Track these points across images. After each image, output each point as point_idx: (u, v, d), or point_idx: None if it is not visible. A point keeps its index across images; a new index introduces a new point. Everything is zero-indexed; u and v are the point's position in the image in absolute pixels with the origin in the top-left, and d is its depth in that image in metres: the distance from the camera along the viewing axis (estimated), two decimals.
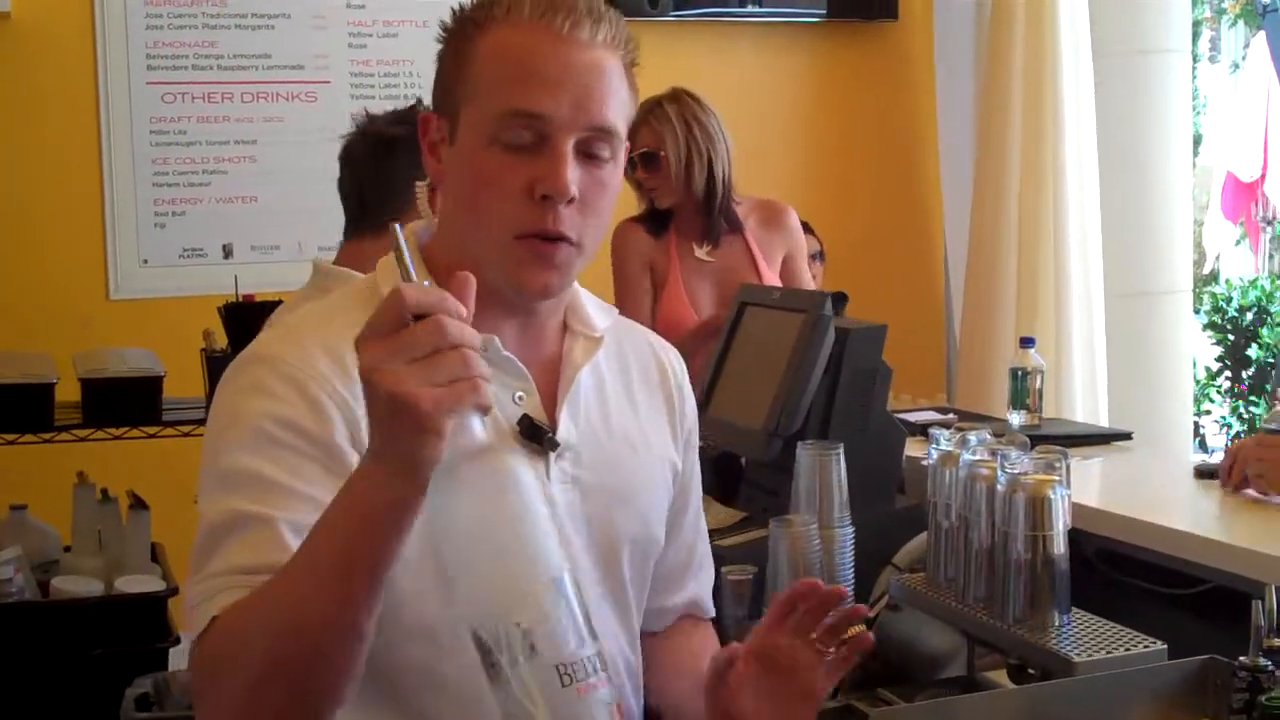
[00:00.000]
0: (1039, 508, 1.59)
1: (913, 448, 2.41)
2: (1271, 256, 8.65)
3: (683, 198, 3.41)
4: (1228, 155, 8.26)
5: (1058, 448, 1.67)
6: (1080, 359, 4.51)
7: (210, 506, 1.25)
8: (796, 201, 3.68)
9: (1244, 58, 8.64)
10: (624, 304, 3.35)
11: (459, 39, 1.35)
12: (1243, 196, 8.16)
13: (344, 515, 1.11)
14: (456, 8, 1.38)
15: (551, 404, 1.40)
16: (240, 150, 4.56)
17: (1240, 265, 8.52)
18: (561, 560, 1.07)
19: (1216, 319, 7.26)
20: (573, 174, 1.30)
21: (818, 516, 1.92)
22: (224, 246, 4.55)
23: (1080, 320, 4.52)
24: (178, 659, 2.97)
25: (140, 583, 3.10)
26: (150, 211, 4.48)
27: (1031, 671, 1.65)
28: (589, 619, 1.07)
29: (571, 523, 1.38)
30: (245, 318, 3.03)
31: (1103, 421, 4.36)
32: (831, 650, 1.39)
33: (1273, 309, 7.19)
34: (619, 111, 1.34)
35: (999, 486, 1.63)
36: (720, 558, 1.74)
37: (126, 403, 3.29)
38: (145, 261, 4.49)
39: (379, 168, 2.36)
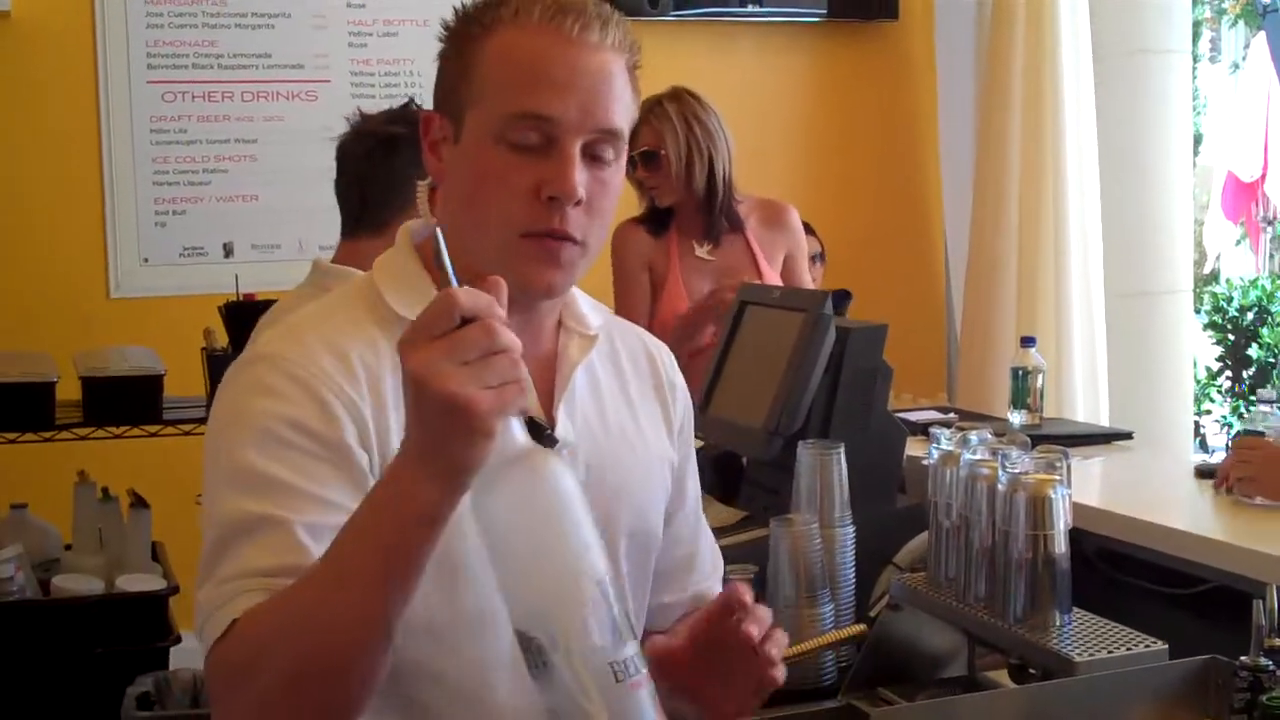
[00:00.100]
0: (1040, 507, 1.59)
1: (913, 447, 2.40)
2: (1272, 256, 8.65)
3: (683, 196, 3.41)
4: (1228, 155, 8.26)
5: (1058, 447, 1.67)
6: (1081, 359, 4.51)
7: (220, 507, 1.24)
8: (797, 201, 3.68)
9: (1244, 58, 8.64)
10: (623, 305, 3.35)
11: (464, 39, 1.35)
12: (1243, 196, 8.16)
13: (381, 517, 1.11)
14: (459, 7, 1.38)
15: (548, 402, 1.40)
16: (241, 149, 4.56)
17: (1241, 265, 8.52)
18: (605, 561, 1.09)
19: (1217, 319, 7.26)
20: (580, 176, 1.30)
21: (819, 516, 1.92)
22: (224, 245, 4.55)
23: (1081, 320, 4.52)
24: (179, 658, 2.97)
25: (141, 581, 3.10)
26: (151, 210, 4.49)
27: (1032, 671, 1.65)
28: (629, 617, 1.10)
29: None
30: (246, 317, 3.02)
31: (1103, 421, 4.37)
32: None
33: (1273, 309, 7.19)
34: (624, 114, 1.34)
35: (1000, 486, 1.63)
36: (721, 557, 1.73)
37: (127, 401, 3.29)
38: (146, 260, 4.49)
39: (379, 166, 2.36)
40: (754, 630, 1.30)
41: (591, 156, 1.32)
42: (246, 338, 2.21)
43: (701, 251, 3.45)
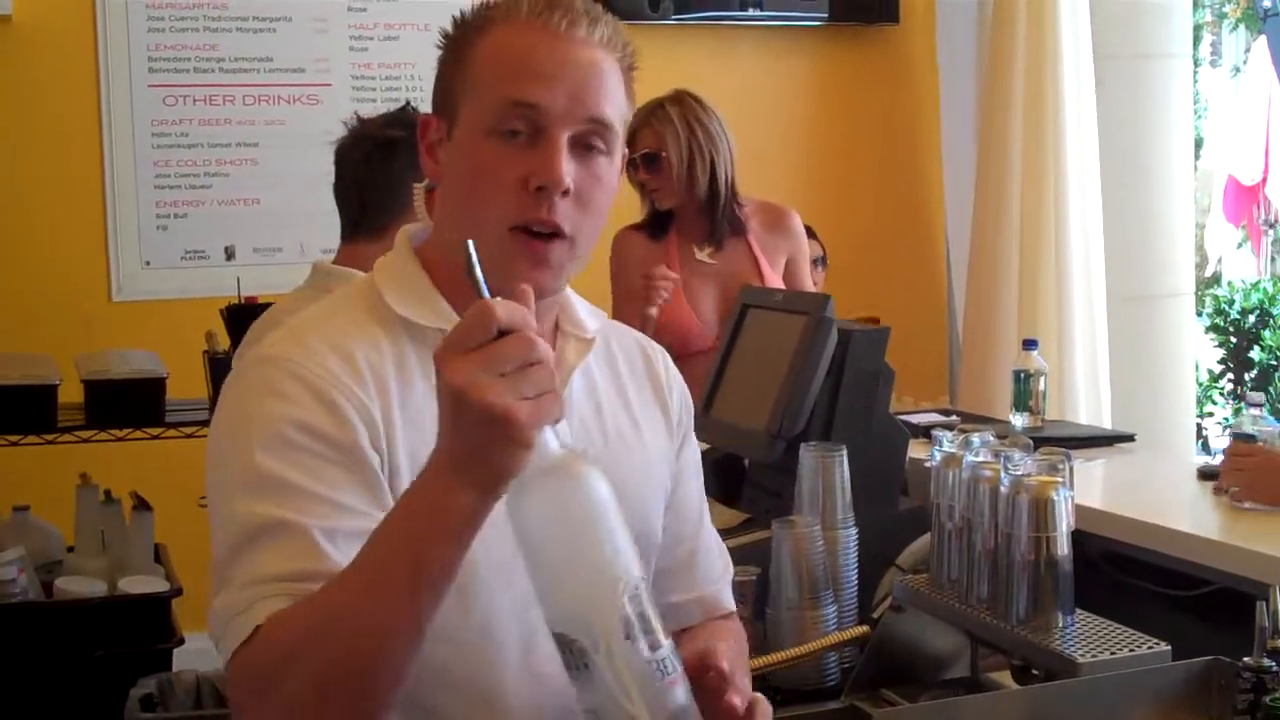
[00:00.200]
0: (1042, 509, 1.59)
1: (916, 449, 2.40)
2: (1273, 259, 8.66)
3: (685, 199, 3.41)
4: (1229, 159, 8.27)
5: (1061, 449, 1.67)
6: (1083, 361, 4.51)
7: (231, 511, 1.23)
8: (798, 205, 3.68)
9: (1245, 61, 8.65)
10: (620, 312, 3.35)
11: (459, 44, 1.37)
12: (1244, 199, 8.17)
13: (415, 525, 1.12)
14: (458, 15, 1.39)
15: None
16: (242, 153, 4.57)
17: (1242, 268, 8.53)
18: (639, 563, 1.12)
19: (1219, 321, 7.27)
20: (567, 166, 1.31)
21: (821, 518, 1.92)
22: (226, 248, 4.56)
23: (1082, 322, 4.53)
24: (181, 660, 2.97)
25: (143, 583, 3.10)
26: (152, 214, 4.49)
27: (1035, 672, 1.65)
28: (661, 617, 1.12)
29: None
30: (247, 320, 3.01)
31: (1106, 423, 4.37)
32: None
33: (1274, 311, 7.19)
34: (615, 109, 1.35)
35: (1002, 488, 1.63)
36: (731, 562, 1.73)
37: (129, 404, 3.30)
38: (147, 263, 4.49)
39: (378, 170, 2.36)
40: (737, 702, 1.26)
41: (582, 148, 1.33)
42: None
43: (702, 255, 3.45)
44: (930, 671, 1.87)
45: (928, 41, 5.23)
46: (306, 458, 1.24)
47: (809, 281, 3.60)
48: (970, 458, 1.72)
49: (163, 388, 3.34)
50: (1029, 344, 3.30)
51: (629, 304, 3.41)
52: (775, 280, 3.44)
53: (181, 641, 3.04)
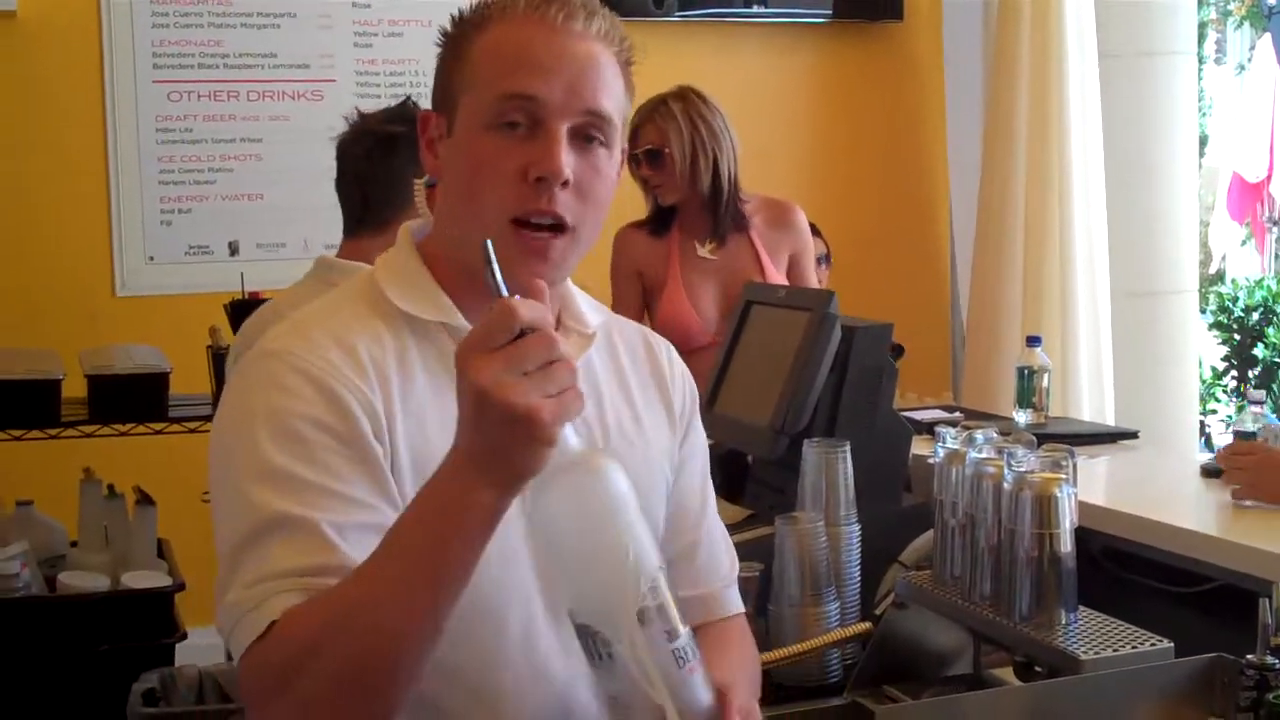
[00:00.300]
0: (1046, 506, 1.59)
1: (919, 446, 2.40)
2: (1277, 256, 8.65)
3: (688, 195, 3.41)
4: (1233, 156, 8.26)
5: (1064, 446, 1.66)
6: (1086, 358, 4.51)
7: (240, 505, 1.24)
8: (802, 201, 3.67)
9: (1249, 59, 8.64)
10: (614, 309, 3.35)
11: (458, 41, 1.38)
12: (1248, 197, 8.16)
13: (435, 522, 1.13)
14: (456, 13, 1.40)
15: None
16: (246, 148, 4.57)
17: (1246, 265, 8.52)
18: (658, 553, 1.15)
19: (1222, 319, 7.26)
20: (567, 157, 1.31)
21: (824, 514, 1.92)
22: (230, 244, 4.56)
23: (1086, 319, 4.52)
24: (184, 654, 2.97)
25: (146, 578, 3.10)
26: (156, 209, 4.49)
27: (1038, 669, 1.65)
28: (678, 607, 1.15)
29: None
30: (251, 315, 3.03)
31: (1109, 420, 4.36)
32: None
33: (1278, 309, 7.18)
34: (613, 101, 1.36)
35: (1005, 485, 1.63)
36: (737, 562, 1.72)
37: (133, 399, 3.30)
38: (151, 258, 4.49)
39: (379, 165, 2.36)
40: None
41: (581, 140, 1.33)
42: None
43: (704, 251, 3.45)
44: (933, 668, 1.87)
45: (932, 38, 5.23)
46: (313, 450, 1.24)
47: (814, 277, 3.59)
48: (973, 454, 1.72)
49: (166, 383, 3.34)
50: (1033, 341, 3.30)
51: (623, 303, 3.41)
52: (777, 276, 3.44)
53: (184, 636, 3.04)
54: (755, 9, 5.00)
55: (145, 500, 3.28)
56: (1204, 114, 8.18)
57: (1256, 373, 7.09)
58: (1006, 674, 1.77)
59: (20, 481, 3.46)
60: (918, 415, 3.12)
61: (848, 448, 1.97)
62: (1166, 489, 2.80)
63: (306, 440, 1.24)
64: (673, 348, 1.59)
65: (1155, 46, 4.70)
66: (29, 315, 4.26)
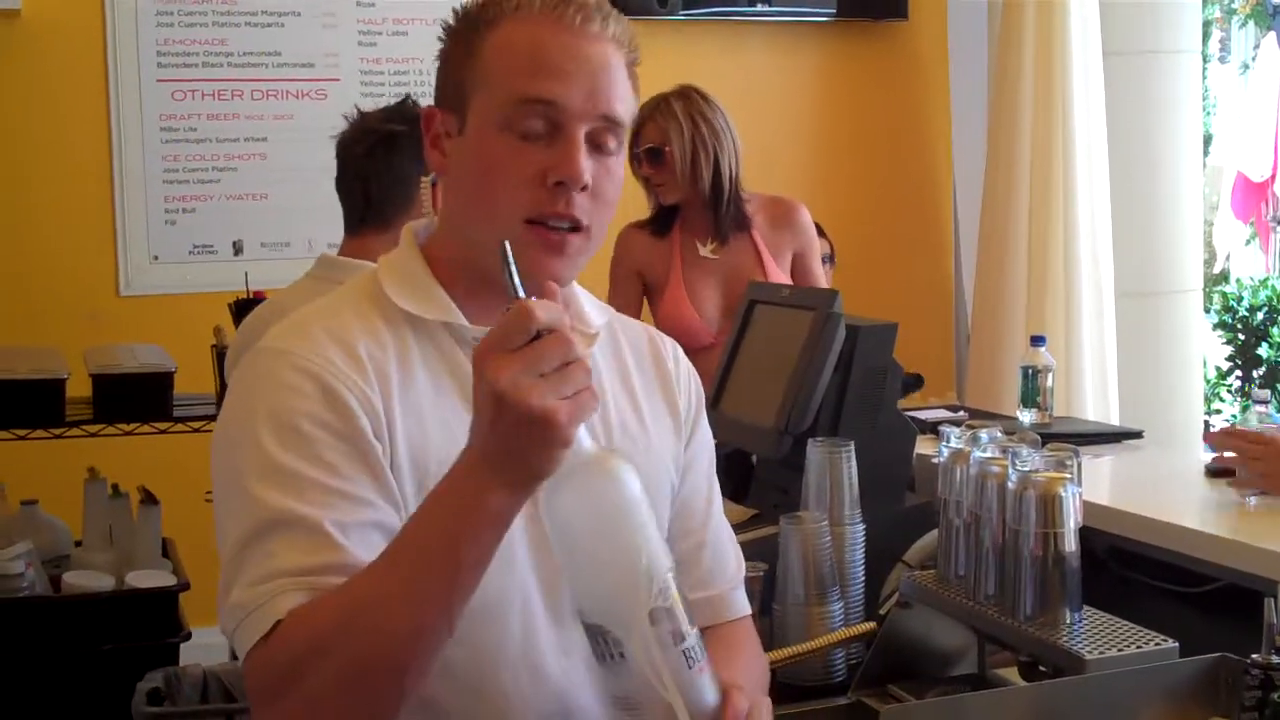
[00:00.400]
0: (1050, 505, 1.59)
1: (923, 445, 2.40)
2: None
3: (689, 194, 3.41)
4: (1238, 155, 8.25)
5: (1069, 445, 1.66)
6: (1091, 358, 4.51)
7: (243, 502, 1.24)
8: (807, 201, 3.66)
9: (1254, 58, 8.63)
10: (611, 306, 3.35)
11: (466, 35, 1.37)
12: (1253, 196, 8.15)
13: (449, 523, 1.14)
14: (458, 8, 1.40)
15: None
16: (250, 147, 4.57)
17: (1250, 265, 8.51)
18: (669, 555, 1.16)
19: (1227, 318, 7.25)
20: (586, 161, 1.32)
21: (828, 514, 1.92)
22: (234, 243, 4.56)
23: (1090, 319, 4.52)
24: (189, 654, 2.97)
25: (151, 578, 3.10)
26: (160, 208, 4.50)
27: (1042, 669, 1.65)
28: (688, 607, 1.15)
29: None
30: None
31: (1113, 420, 4.36)
32: None
33: None
34: (624, 106, 1.36)
35: (1010, 484, 1.63)
36: (744, 565, 1.72)
37: (137, 398, 3.30)
38: (156, 258, 4.50)
39: (380, 164, 2.37)
40: None
41: (595, 145, 1.34)
42: None
43: (706, 251, 3.45)
44: (937, 668, 1.87)
45: (936, 38, 5.23)
46: (315, 448, 1.25)
47: (820, 274, 3.57)
48: (978, 454, 1.72)
49: (171, 382, 3.34)
50: (1037, 340, 3.29)
51: (620, 301, 3.41)
52: (780, 276, 3.43)
53: (189, 636, 3.04)
54: (759, 7, 5.00)
55: (150, 500, 3.28)
56: (1208, 113, 8.18)
57: (1261, 372, 7.08)
58: (1011, 674, 1.76)
59: (24, 481, 3.46)
60: (922, 415, 3.12)
61: (852, 447, 1.97)
62: (1171, 489, 2.80)
63: (309, 438, 1.25)
64: (679, 346, 1.59)
65: (1160, 45, 4.70)
66: (33, 315, 4.27)
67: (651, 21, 4.73)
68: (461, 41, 1.37)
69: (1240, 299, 7.28)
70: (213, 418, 2.86)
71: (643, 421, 1.48)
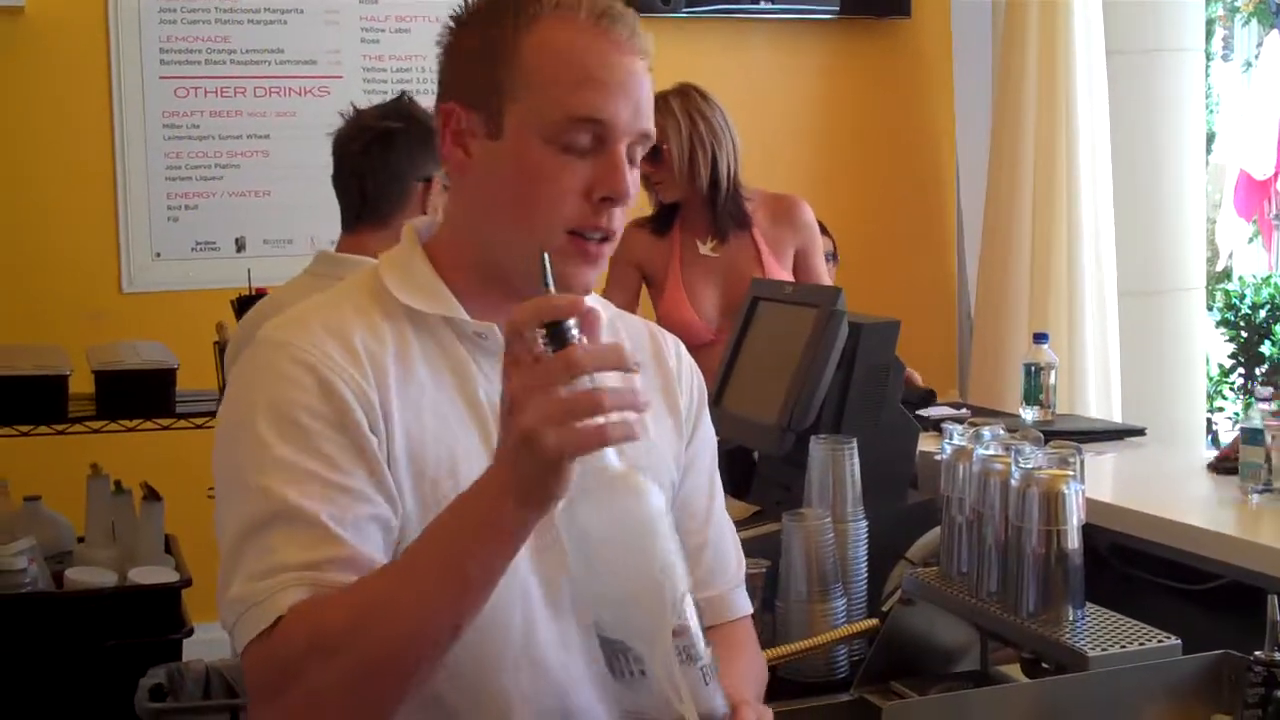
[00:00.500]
0: (1053, 502, 1.59)
1: (926, 443, 2.40)
2: None
3: (687, 192, 3.41)
4: (1241, 153, 8.24)
5: (1071, 443, 1.66)
6: (1093, 355, 4.51)
7: (243, 495, 1.24)
8: (809, 198, 3.66)
9: (1257, 56, 8.61)
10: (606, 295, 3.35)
11: (498, 28, 1.33)
12: (1256, 194, 8.14)
13: (468, 538, 1.15)
14: (480, 3, 1.37)
15: None
16: (253, 144, 4.58)
17: (1253, 263, 8.49)
18: (687, 573, 1.16)
19: (1229, 316, 7.24)
20: (630, 177, 1.33)
21: (831, 511, 1.92)
22: (236, 240, 4.57)
23: (1093, 316, 4.52)
24: (191, 650, 2.97)
25: (154, 574, 3.11)
26: (163, 205, 4.50)
27: (1045, 666, 1.65)
28: (702, 622, 1.16)
29: None
30: None
31: (1116, 417, 4.36)
32: None
33: None
34: (653, 119, 1.38)
35: (1013, 481, 1.63)
36: (745, 564, 1.72)
37: (140, 395, 3.30)
38: (158, 255, 4.50)
39: (377, 161, 2.37)
40: None
41: (629, 159, 1.34)
42: None
43: (706, 249, 3.45)
44: (940, 664, 1.87)
45: (939, 35, 5.22)
46: (313, 440, 1.25)
47: (823, 270, 3.57)
48: (980, 451, 1.72)
49: (173, 378, 3.34)
50: (1039, 338, 3.29)
51: (617, 288, 3.41)
52: (780, 274, 3.42)
53: (191, 632, 3.04)
54: (762, 5, 5.00)
55: (152, 496, 3.28)
56: (1211, 111, 8.16)
57: (1263, 370, 7.07)
58: (1014, 670, 1.77)
59: (27, 477, 3.46)
60: (924, 412, 3.12)
61: (854, 444, 1.97)
62: (1174, 486, 2.79)
63: (307, 430, 1.25)
64: (680, 343, 1.58)
65: (1163, 43, 4.70)
66: (35, 312, 4.27)
67: (654, 19, 4.72)
68: (491, 36, 1.34)
69: (1243, 297, 7.27)
70: (215, 414, 2.86)
71: (643, 420, 1.48)
